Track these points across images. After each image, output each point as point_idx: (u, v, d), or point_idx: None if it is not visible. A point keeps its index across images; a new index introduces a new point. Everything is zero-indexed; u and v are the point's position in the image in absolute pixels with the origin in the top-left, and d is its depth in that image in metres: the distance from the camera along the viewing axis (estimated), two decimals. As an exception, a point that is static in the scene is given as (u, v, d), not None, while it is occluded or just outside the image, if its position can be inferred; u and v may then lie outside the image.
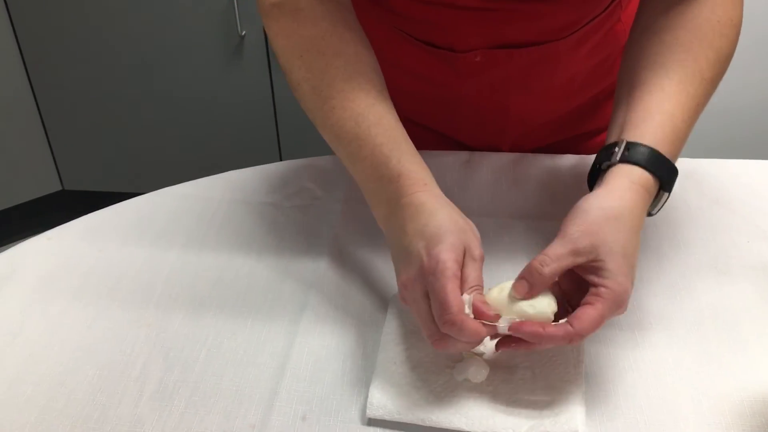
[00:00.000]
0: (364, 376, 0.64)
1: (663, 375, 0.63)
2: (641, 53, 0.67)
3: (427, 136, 0.95)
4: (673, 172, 0.62)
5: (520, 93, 0.86)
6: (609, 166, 0.61)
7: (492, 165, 0.89)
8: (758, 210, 0.81)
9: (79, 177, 2.22)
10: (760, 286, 0.71)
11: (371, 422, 0.60)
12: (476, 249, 0.59)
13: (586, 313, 0.54)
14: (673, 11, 0.66)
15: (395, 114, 0.67)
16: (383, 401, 0.60)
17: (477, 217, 0.81)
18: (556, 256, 0.56)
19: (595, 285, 0.56)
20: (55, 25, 1.94)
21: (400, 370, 0.62)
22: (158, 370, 0.66)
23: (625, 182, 0.59)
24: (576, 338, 0.54)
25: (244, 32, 1.89)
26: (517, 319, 0.56)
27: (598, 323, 0.55)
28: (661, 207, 0.64)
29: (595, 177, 0.64)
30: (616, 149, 0.61)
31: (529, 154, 0.90)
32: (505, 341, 0.58)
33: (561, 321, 0.56)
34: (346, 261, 0.76)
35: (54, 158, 2.17)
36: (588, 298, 0.56)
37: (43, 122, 2.11)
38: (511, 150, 0.92)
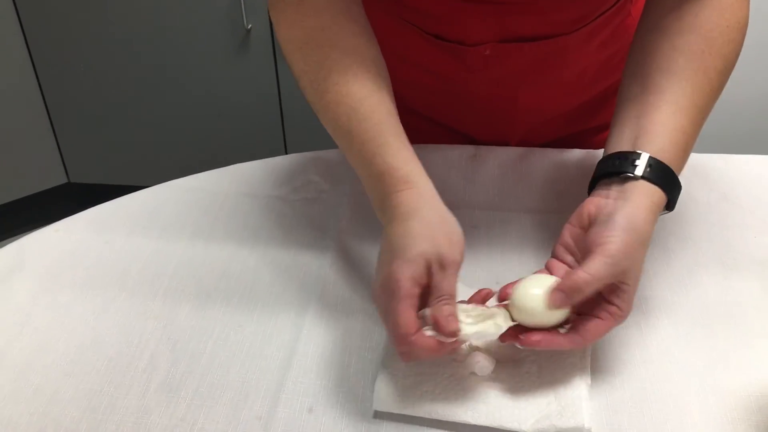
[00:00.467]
0: (371, 369, 0.64)
1: (669, 369, 0.63)
2: (652, 54, 0.66)
3: (434, 130, 0.95)
4: (678, 191, 0.63)
5: (530, 87, 0.85)
6: (628, 178, 0.61)
7: (499, 159, 0.89)
8: (765, 205, 0.81)
9: (85, 170, 2.22)
10: (767, 281, 0.71)
11: (377, 415, 0.60)
12: (450, 255, 0.57)
13: (597, 327, 0.57)
14: (683, 12, 0.65)
15: (390, 105, 0.66)
16: (389, 394, 0.60)
17: (483, 211, 0.81)
18: (599, 277, 0.56)
19: (610, 303, 0.57)
20: (61, 19, 1.94)
21: (406, 364, 0.62)
22: (165, 361, 0.66)
23: (648, 203, 0.59)
24: (580, 346, 0.57)
25: (250, 26, 1.89)
26: (527, 320, 0.57)
27: (602, 336, 0.58)
28: None
29: (609, 171, 0.63)
30: (638, 162, 0.60)
31: (536, 149, 0.90)
32: (510, 336, 0.58)
33: (567, 327, 0.58)
34: (352, 254, 0.77)
35: (60, 151, 2.18)
36: (600, 312, 0.57)
37: (49, 115, 2.11)
38: (519, 144, 0.92)
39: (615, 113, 0.67)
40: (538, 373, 0.61)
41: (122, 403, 0.62)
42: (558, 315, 0.57)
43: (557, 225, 0.65)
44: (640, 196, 0.59)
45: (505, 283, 0.67)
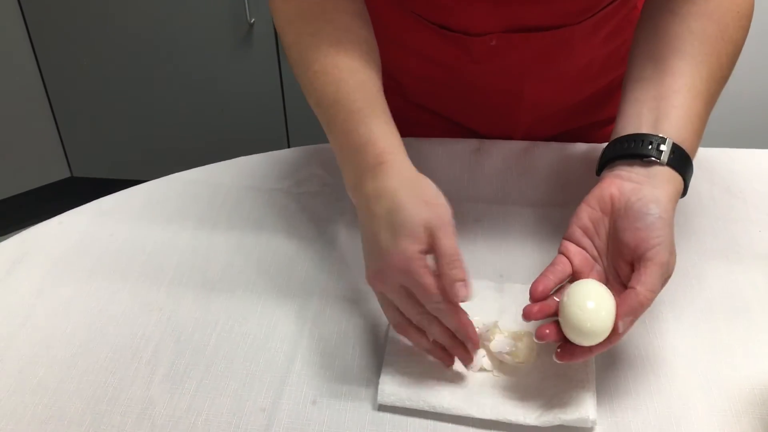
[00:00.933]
0: (374, 362, 0.64)
1: (673, 363, 0.63)
2: (667, 36, 0.65)
3: (438, 123, 0.94)
4: (691, 177, 0.62)
5: (535, 79, 0.85)
6: (653, 163, 0.59)
7: (502, 153, 0.88)
8: (770, 199, 0.81)
9: (88, 164, 2.22)
10: (771, 275, 0.71)
11: (381, 408, 0.60)
12: (443, 218, 0.57)
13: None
14: (698, 1, 0.65)
15: (378, 84, 0.66)
16: (394, 387, 0.60)
17: (487, 205, 0.81)
18: (658, 289, 0.55)
19: None
20: (64, 13, 1.94)
21: (410, 357, 0.62)
22: (169, 353, 0.66)
23: (673, 191, 0.59)
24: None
25: (253, 20, 1.89)
26: (584, 342, 0.55)
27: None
28: None
29: (628, 154, 0.61)
30: (663, 148, 0.59)
31: (540, 143, 0.90)
32: (566, 354, 0.56)
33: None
34: (356, 247, 0.76)
35: (63, 145, 2.18)
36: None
37: (52, 109, 2.11)
38: (523, 138, 0.92)
39: (626, 93, 0.66)
40: (542, 367, 0.61)
41: (126, 395, 0.62)
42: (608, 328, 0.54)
43: (561, 219, 0.65)
44: (667, 184, 0.58)
45: (508, 276, 0.68)
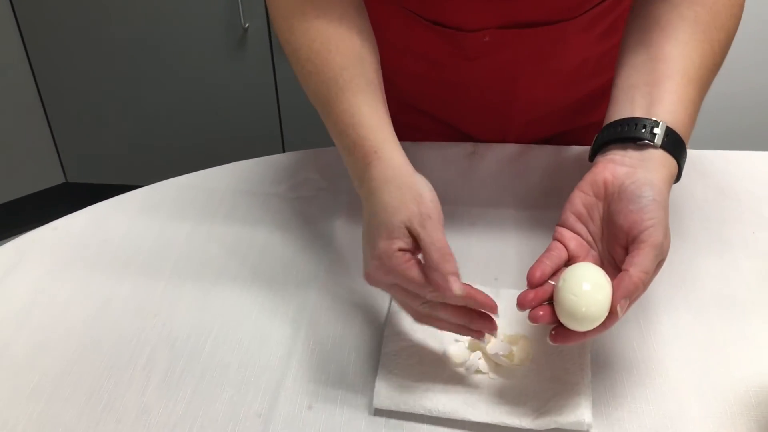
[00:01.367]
0: (370, 366, 0.64)
1: (668, 365, 0.63)
2: (658, 22, 0.65)
3: (431, 126, 0.94)
4: (684, 161, 0.61)
5: (529, 76, 0.85)
6: (647, 146, 0.59)
7: (497, 156, 0.89)
8: (763, 200, 0.81)
9: (83, 169, 2.22)
10: (765, 275, 0.71)
11: (377, 412, 0.60)
12: (425, 212, 0.56)
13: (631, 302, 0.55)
14: None
15: (371, 75, 0.65)
16: (389, 391, 0.60)
17: (482, 208, 0.81)
18: (652, 270, 0.54)
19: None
20: (58, 18, 1.94)
21: (405, 361, 0.62)
22: (165, 359, 0.66)
23: (667, 174, 0.58)
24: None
25: (247, 24, 1.89)
26: (580, 328, 0.54)
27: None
28: None
29: (620, 137, 0.60)
30: (657, 131, 0.58)
31: (534, 146, 0.90)
32: (560, 337, 0.55)
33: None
34: (351, 252, 0.76)
35: (57, 151, 2.18)
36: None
37: (46, 115, 2.11)
38: (517, 139, 0.92)
39: (618, 79, 0.66)
40: (538, 371, 0.61)
41: (121, 401, 0.62)
42: (605, 312, 0.54)
43: (554, 222, 0.65)
44: (661, 167, 0.58)
45: (504, 280, 0.67)
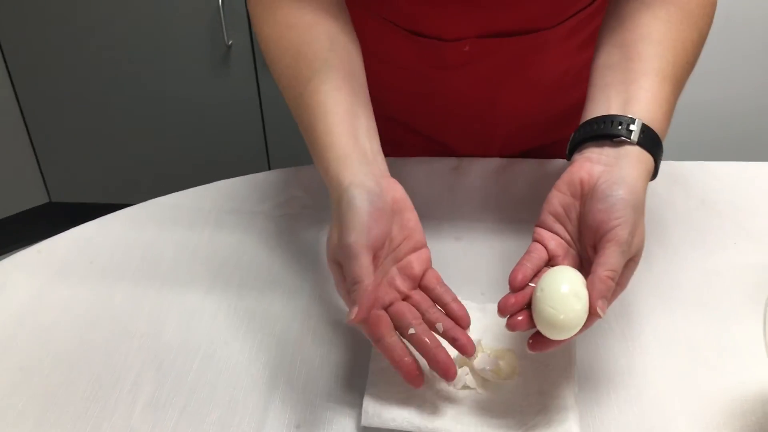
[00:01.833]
0: (357, 384, 0.64)
1: (654, 376, 0.64)
2: (632, 23, 0.66)
3: (414, 140, 0.95)
4: (661, 159, 0.62)
5: (510, 86, 0.85)
6: (623, 143, 0.59)
7: (481, 170, 0.89)
8: (743, 210, 0.82)
9: (66, 189, 2.21)
10: (746, 286, 0.72)
11: (366, 430, 0.60)
12: (351, 250, 0.57)
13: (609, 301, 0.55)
14: None
15: (337, 81, 0.65)
16: (377, 409, 0.60)
17: (467, 222, 0.82)
18: (619, 268, 0.55)
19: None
20: (40, 36, 1.93)
21: (393, 378, 0.62)
22: (151, 380, 0.66)
23: (643, 171, 0.59)
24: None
25: (230, 41, 1.89)
26: (560, 337, 0.54)
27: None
28: None
29: (596, 134, 0.61)
30: (633, 128, 0.59)
31: (518, 159, 0.91)
32: (539, 344, 0.56)
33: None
34: (337, 268, 0.77)
35: (40, 170, 2.16)
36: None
37: (29, 134, 2.10)
38: (500, 152, 0.92)
39: (594, 79, 0.67)
40: (525, 385, 0.61)
41: (108, 424, 0.62)
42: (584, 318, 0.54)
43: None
44: (636, 163, 0.58)
45: (490, 295, 0.68)
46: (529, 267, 0.58)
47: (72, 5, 1.88)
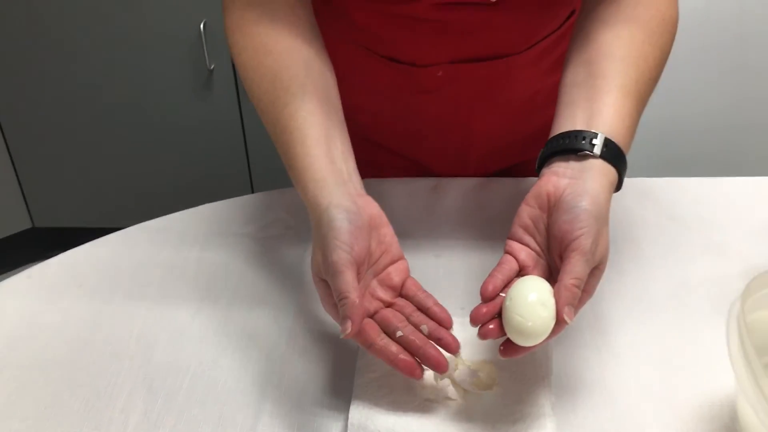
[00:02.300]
0: (344, 398, 0.66)
1: (627, 384, 0.67)
2: (597, 42, 0.69)
3: (392, 161, 0.98)
4: (625, 171, 0.65)
5: (483, 109, 0.89)
6: (587, 156, 0.62)
7: (458, 189, 0.92)
8: (711, 224, 0.86)
9: (50, 213, 2.21)
10: (714, 296, 0.75)
11: (352, 442, 0.63)
12: (334, 266, 0.60)
13: (576, 308, 0.58)
14: (622, 5, 0.70)
15: (312, 106, 0.68)
16: (363, 421, 0.62)
17: (446, 240, 0.85)
18: (584, 276, 0.57)
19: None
20: (22, 60, 1.95)
21: (377, 391, 0.65)
22: (142, 399, 0.67)
23: (607, 183, 0.62)
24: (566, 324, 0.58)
25: (212, 65, 1.92)
26: (528, 343, 0.57)
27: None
28: None
29: (562, 149, 0.64)
30: (596, 141, 0.62)
31: (494, 179, 0.94)
32: (511, 350, 0.59)
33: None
34: (321, 287, 0.79)
35: (23, 195, 2.17)
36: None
37: (11, 158, 2.10)
38: (476, 171, 0.95)
39: (561, 97, 0.70)
40: (504, 394, 0.64)
41: (101, 444, 0.64)
42: (552, 325, 0.57)
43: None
44: (599, 175, 0.61)
45: (469, 309, 0.70)
46: (499, 278, 0.61)
47: (55, 30, 1.90)
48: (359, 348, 0.70)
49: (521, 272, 0.62)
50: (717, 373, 0.67)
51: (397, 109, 0.91)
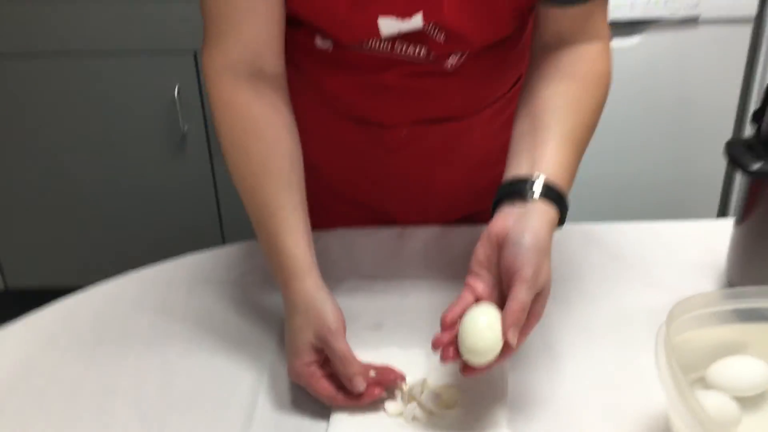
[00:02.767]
0: (322, 427, 0.73)
1: (575, 402, 0.75)
2: (539, 97, 0.80)
3: (359, 212, 1.07)
4: (567, 210, 0.74)
5: (443, 164, 0.99)
6: (529, 199, 0.72)
7: (422, 236, 1.01)
8: (649, 261, 0.95)
9: (23, 273, 2.23)
10: (650, 324, 0.83)
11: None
12: (326, 327, 0.73)
13: (527, 328, 0.67)
14: (562, 63, 0.80)
15: (297, 200, 0.80)
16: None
17: (412, 280, 0.93)
18: (527, 300, 0.66)
19: (532, 306, 0.68)
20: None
21: (352, 417, 0.72)
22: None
23: (546, 220, 0.71)
24: (518, 345, 0.67)
25: (186, 127, 2.00)
26: (481, 361, 0.66)
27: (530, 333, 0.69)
28: None
29: (508, 195, 0.73)
30: (535, 186, 0.72)
31: (455, 227, 1.03)
32: (469, 370, 0.68)
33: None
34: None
35: (-4, 257, 2.19)
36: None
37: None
38: (439, 218, 1.05)
39: (510, 147, 0.80)
40: (465, 413, 0.72)
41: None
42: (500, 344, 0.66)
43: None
44: (539, 214, 0.70)
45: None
46: (457, 309, 0.69)
47: (33, 90, 1.97)
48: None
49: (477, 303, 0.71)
50: (652, 391, 0.74)
51: (365, 165, 1.00)
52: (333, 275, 0.85)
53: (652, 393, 0.74)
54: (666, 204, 2.06)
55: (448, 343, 0.68)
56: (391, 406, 0.73)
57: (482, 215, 1.06)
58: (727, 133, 1.98)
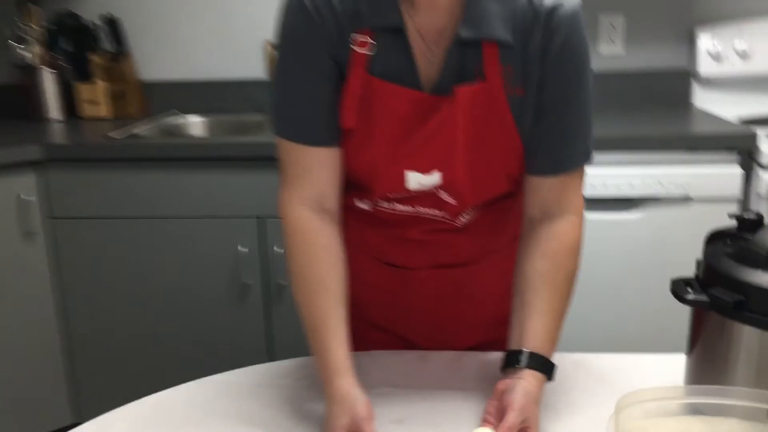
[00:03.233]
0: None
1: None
2: (523, 276, 1.06)
3: (387, 339, 1.28)
4: (553, 368, 1.00)
5: (457, 300, 1.22)
6: (520, 367, 0.99)
7: (440, 360, 1.21)
8: (627, 385, 1.14)
9: (99, 410, 2.41)
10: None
11: None
12: (358, 415, 0.94)
13: None
14: (541, 239, 1.06)
15: (342, 314, 1.03)
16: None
17: (431, 390, 1.12)
18: (516, 423, 0.93)
19: None
20: (94, 257, 2.30)
21: None
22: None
23: (534, 380, 0.98)
24: None
25: (246, 281, 2.27)
26: None
27: None
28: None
29: (508, 364, 1.02)
30: (521, 358, 0.99)
31: (469, 352, 1.23)
32: None
33: None
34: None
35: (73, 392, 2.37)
36: None
37: (69, 357, 2.36)
38: (454, 345, 1.25)
39: (510, 319, 1.06)
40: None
41: None
42: None
43: (486, 405, 1.00)
44: (529, 377, 0.98)
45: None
46: None
47: (129, 245, 2.28)
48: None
49: None
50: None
51: (394, 299, 1.24)
52: (365, 383, 1.02)
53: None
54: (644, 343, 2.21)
55: None
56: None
57: (492, 345, 1.28)
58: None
